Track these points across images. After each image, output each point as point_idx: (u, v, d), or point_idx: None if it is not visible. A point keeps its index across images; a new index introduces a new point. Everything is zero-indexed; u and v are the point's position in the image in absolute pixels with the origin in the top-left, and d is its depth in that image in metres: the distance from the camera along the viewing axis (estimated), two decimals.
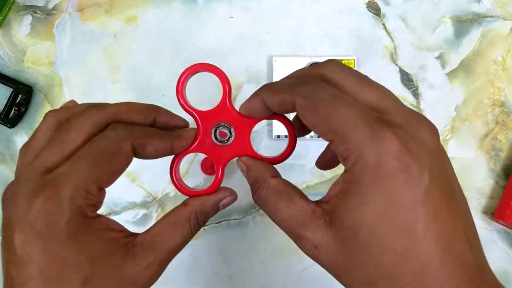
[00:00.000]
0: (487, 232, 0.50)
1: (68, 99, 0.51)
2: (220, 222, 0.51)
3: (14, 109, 0.50)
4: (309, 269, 0.50)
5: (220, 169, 0.27)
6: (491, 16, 0.51)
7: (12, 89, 0.50)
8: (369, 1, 0.52)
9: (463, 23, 0.52)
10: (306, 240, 0.21)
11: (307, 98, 0.21)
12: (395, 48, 0.52)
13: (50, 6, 0.52)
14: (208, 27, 0.52)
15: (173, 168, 0.27)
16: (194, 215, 0.25)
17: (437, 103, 0.51)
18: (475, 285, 0.18)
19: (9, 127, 0.51)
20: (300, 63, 0.50)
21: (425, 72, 0.51)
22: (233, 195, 0.27)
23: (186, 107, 0.27)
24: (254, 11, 0.52)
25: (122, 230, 0.23)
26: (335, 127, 0.20)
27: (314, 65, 0.24)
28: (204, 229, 0.51)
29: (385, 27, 0.52)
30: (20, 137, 0.51)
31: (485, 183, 0.51)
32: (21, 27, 0.52)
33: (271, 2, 0.52)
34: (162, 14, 0.52)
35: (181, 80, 0.27)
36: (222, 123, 0.26)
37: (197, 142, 0.26)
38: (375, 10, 0.52)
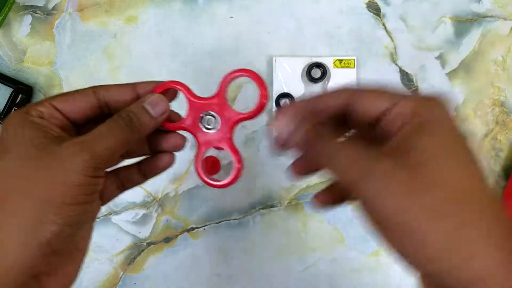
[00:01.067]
0: None
1: None
2: (220, 222, 0.51)
3: (14, 109, 0.50)
4: (309, 269, 0.50)
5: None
6: (491, 16, 0.52)
7: (12, 89, 0.50)
8: (369, 1, 0.52)
9: (463, 23, 0.52)
10: (380, 167, 0.21)
11: (359, 88, 0.25)
12: (395, 48, 0.52)
13: (50, 6, 0.52)
14: (208, 27, 0.52)
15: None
16: (120, 118, 0.26)
17: None
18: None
19: None
20: (300, 63, 0.50)
21: (425, 72, 0.51)
22: (159, 96, 0.28)
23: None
24: (254, 11, 0.52)
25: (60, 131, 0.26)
26: (394, 93, 0.24)
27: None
28: (204, 229, 0.51)
29: (385, 27, 0.52)
30: None
31: None
32: (21, 27, 0.52)
33: (271, 2, 0.52)
34: (162, 14, 0.52)
35: (224, 85, 0.28)
36: (210, 113, 0.28)
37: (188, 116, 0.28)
38: (375, 10, 0.52)
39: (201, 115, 0.28)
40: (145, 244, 0.51)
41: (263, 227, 0.51)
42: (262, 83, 0.27)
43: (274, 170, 0.51)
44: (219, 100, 0.28)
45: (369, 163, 0.22)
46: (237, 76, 0.28)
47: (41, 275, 0.24)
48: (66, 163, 0.23)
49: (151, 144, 0.30)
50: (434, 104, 0.23)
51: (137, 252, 0.51)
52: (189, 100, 0.29)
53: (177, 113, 0.30)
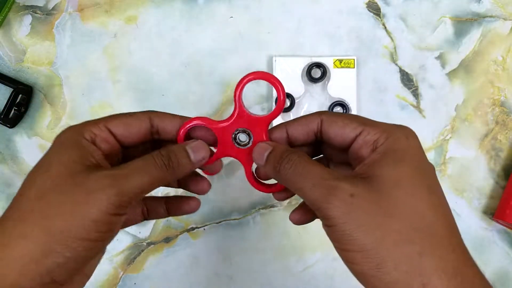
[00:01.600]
0: (487, 232, 0.50)
1: (68, 99, 0.52)
2: (220, 222, 0.51)
3: (14, 109, 0.50)
4: (309, 269, 0.50)
5: (218, 156, 0.29)
6: (491, 16, 0.52)
7: (12, 89, 0.50)
8: (369, 1, 0.52)
9: (463, 23, 0.52)
10: (342, 189, 0.22)
11: (331, 114, 0.27)
12: (395, 48, 0.52)
13: (50, 6, 0.52)
14: (208, 27, 0.52)
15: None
16: (160, 156, 0.26)
17: (437, 103, 0.51)
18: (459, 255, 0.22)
19: (9, 127, 0.51)
20: (300, 63, 0.50)
21: (425, 72, 0.51)
22: (202, 143, 0.28)
23: (238, 103, 0.28)
24: (254, 11, 0.52)
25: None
26: (365, 120, 0.25)
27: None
28: (204, 229, 0.51)
29: (385, 27, 0.52)
30: (20, 137, 0.51)
31: (485, 183, 0.51)
32: (21, 27, 0.52)
33: (271, 2, 0.52)
34: (162, 14, 0.52)
35: (243, 83, 0.28)
36: (245, 129, 0.28)
37: (220, 126, 0.28)
38: (375, 10, 0.52)
39: (232, 136, 0.28)
40: (145, 244, 0.51)
41: (263, 227, 0.51)
42: (277, 81, 0.27)
43: None
44: (241, 115, 0.28)
45: (333, 183, 0.22)
46: (249, 81, 0.28)
47: None
48: (90, 196, 0.23)
49: (180, 182, 0.31)
50: (401, 133, 0.24)
51: (137, 252, 0.51)
52: (214, 130, 0.28)
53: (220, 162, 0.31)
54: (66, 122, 0.51)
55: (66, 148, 0.25)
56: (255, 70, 0.28)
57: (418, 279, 0.20)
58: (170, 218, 0.51)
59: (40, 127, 0.51)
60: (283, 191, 0.29)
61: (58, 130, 0.51)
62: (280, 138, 0.28)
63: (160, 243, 0.51)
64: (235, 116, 0.28)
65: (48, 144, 0.51)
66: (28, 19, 0.52)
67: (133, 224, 0.31)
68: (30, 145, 0.51)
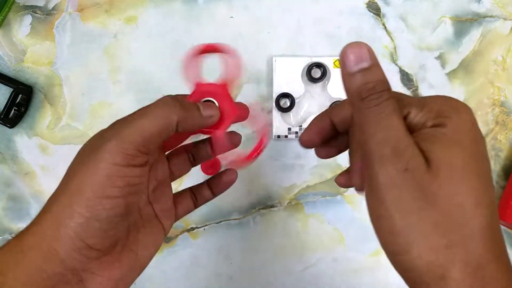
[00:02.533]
0: None
1: (68, 99, 0.52)
2: (220, 222, 0.51)
3: (14, 109, 0.50)
4: (309, 269, 0.50)
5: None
6: (491, 16, 0.51)
7: (12, 89, 0.50)
8: (369, 1, 0.52)
9: (463, 23, 0.52)
10: (402, 158, 0.20)
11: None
12: (395, 48, 0.52)
13: (50, 6, 0.52)
14: (208, 27, 0.52)
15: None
16: (170, 96, 0.28)
17: None
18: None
19: (9, 127, 0.51)
20: (300, 63, 0.50)
21: (425, 72, 0.51)
22: (212, 104, 0.29)
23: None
24: (254, 11, 0.52)
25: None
26: (410, 101, 0.23)
27: None
28: (204, 229, 0.51)
29: (385, 27, 0.52)
30: (20, 137, 0.51)
31: None
32: (21, 27, 0.52)
33: (271, 2, 0.52)
34: (162, 14, 0.52)
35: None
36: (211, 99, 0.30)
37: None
38: (375, 10, 0.52)
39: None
40: None
41: (263, 227, 0.51)
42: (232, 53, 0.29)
43: (274, 170, 0.51)
44: (197, 88, 0.30)
45: (399, 149, 0.21)
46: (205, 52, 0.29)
47: (81, 272, 0.23)
48: (98, 152, 0.23)
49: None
50: (453, 112, 0.22)
51: None
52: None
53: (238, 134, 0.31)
54: (66, 122, 0.51)
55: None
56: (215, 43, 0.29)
57: (439, 270, 0.20)
58: None
59: (40, 127, 0.51)
60: (328, 148, 0.29)
61: (58, 130, 0.51)
62: (322, 127, 0.27)
63: None
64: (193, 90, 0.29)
65: (48, 144, 0.51)
66: (28, 19, 0.52)
67: (187, 212, 0.33)
68: (30, 145, 0.51)
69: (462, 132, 0.22)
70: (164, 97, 0.26)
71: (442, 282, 0.20)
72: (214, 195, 0.33)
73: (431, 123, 0.22)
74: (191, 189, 0.33)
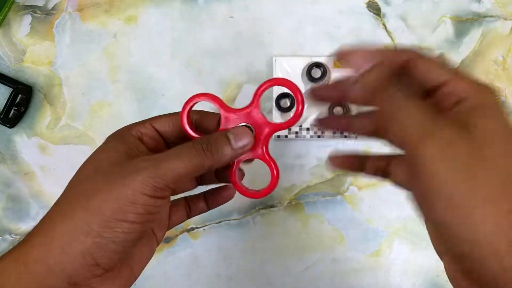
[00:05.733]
0: None
1: (68, 99, 0.51)
2: (220, 222, 0.51)
3: (14, 109, 0.50)
4: (309, 269, 0.50)
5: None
6: (491, 16, 0.51)
7: (11, 89, 0.50)
8: (369, 1, 0.52)
9: (463, 23, 0.52)
10: (441, 134, 0.21)
11: (420, 54, 0.25)
12: (395, 48, 0.52)
13: (50, 6, 0.52)
14: (208, 27, 0.52)
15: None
16: (199, 141, 0.26)
17: None
18: None
19: (9, 127, 0.51)
20: (300, 63, 0.50)
21: None
22: (246, 130, 0.28)
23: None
24: (254, 11, 0.52)
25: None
26: (454, 70, 0.24)
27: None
28: (204, 229, 0.51)
29: (385, 27, 0.52)
30: (19, 137, 0.51)
31: None
32: (21, 27, 0.52)
33: (271, 2, 0.52)
34: (162, 14, 0.52)
35: (259, 93, 0.28)
36: (247, 124, 0.28)
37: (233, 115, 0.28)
38: (375, 10, 0.52)
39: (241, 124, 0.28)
40: None
41: (263, 227, 0.51)
42: (298, 91, 0.27)
43: None
44: (253, 111, 0.28)
45: (434, 127, 0.21)
46: (271, 86, 0.28)
47: (82, 286, 0.24)
48: (127, 178, 0.23)
49: (219, 175, 0.32)
50: (487, 91, 0.23)
51: None
52: (223, 113, 0.28)
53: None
54: (66, 122, 0.51)
55: (113, 142, 0.27)
56: (274, 78, 0.28)
57: (506, 236, 0.19)
58: None
59: (39, 127, 0.51)
60: (343, 159, 0.29)
61: (57, 130, 0.51)
62: (365, 60, 0.26)
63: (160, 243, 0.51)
64: (247, 110, 0.28)
65: (48, 144, 0.51)
66: (27, 19, 0.52)
67: (180, 222, 0.33)
68: (30, 145, 0.51)
69: (498, 109, 0.22)
70: (195, 140, 0.26)
71: None
72: (209, 208, 0.33)
73: (471, 94, 0.23)
74: (186, 199, 0.33)
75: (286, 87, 0.28)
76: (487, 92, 0.23)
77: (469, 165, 0.20)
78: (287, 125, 0.28)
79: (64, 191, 0.25)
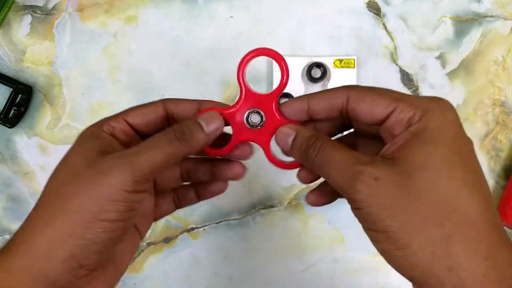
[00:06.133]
0: None
1: (68, 99, 0.51)
2: (220, 222, 0.51)
3: (14, 109, 0.50)
4: (309, 269, 0.50)
5: (234, 143, 0.28)
6: (491, 16, 0.51)
7: (11, 89, 0.50)
8: (369, 1, 0.52)
9: (463, 23, 0.52)
10: (366, 173, 0.22)
11: (360, 89, 0.25)
12: (395, 48, 0.52)
13: (50, 6, 0.52)
14: (208, 27, 0.52)
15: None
16: (172, 130, 0.26)
17: None
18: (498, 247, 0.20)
19: (9, 127, 0.51)
20: (300, 63, 0.50)
21: (426, 72, 0.51)
22: (215, 114, 0.27)
23: (242, 83, 0.28)
24: (254, 11, 0.52)
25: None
26: (398, 96, 0.24)
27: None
28: (204, 229, 0.51)
29: (385, 27, 0.52)
30: (19, 137, 0.51)
31: None
32: (21, 27, 0.52)
33: (271, 2, 0.52)
34: (162, 14, 0.52)
35: (246, 60, 0.28)
36: (258, 110, 0.28)
37: (231, 110, 0.28)
38: (375, 10, 0.52)
39: (244, 119, 0.28)
40: (144, 244, 0.51)
41: (263, 227, 0.51)
42: (282, 59, 0.28)
43: (274, 170, 0.51)
44: (248, 95, 0.28)
45: (358, 168, 0.22)
46: (251, 58, 0.28)
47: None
48: (102, 176, 0.23)
49: (214, 172, 0.31)
50: (437, 108, 0.23)
51: (136, 252, 0.51)
52: (225, 116, 0.28)
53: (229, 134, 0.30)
54: (66, 122, 0.51)
55: (85, 141, 0.26)
56: (255, 48, 0.28)
57: (444, 262, 0.20)
58: (169, 218, 0.51)
59: (39, 127, 0.51)
60: (308, 174, 0.29)
61: (57, 130, 0.51)
62: (300, 110, 0.27)
63: (160, 243, 0.51)
64: (243, 98, 0.28)
65: (48, 144, 0.51)
66: (27, 19, 0.52)
67: (167, 214, 0.32)
68: (30, 145, 0.51)
69: (443, 130, 0.22)
70: (167, 129, 0.26)
71: (452, 274, 0.20)
72: (199, 199, 0.32)
73: (415, 119, 0.23)
74: (174, 190, 0.32)
75: (269, 56, 0.28)
76: (433, 112, 0.22)
77: (397, 199, 0.21)
78: (280, 89, 0.28)
79: (42, 196, 0.25)
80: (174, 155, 0.25)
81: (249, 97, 0.28)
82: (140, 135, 0.28)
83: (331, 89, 0.26)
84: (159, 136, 0.25)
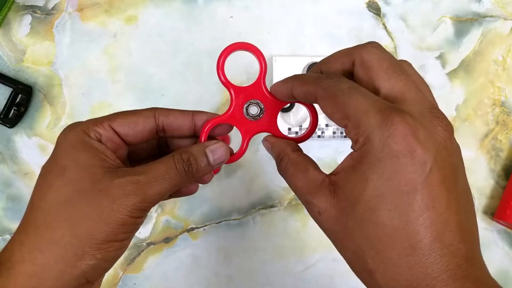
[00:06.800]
0: (487, 232, 0.50)
1: (68, 99, 0.51)
2: (220, 222, 0.51)
3: (14, 109, 0.50)
4: (309, 269, 0.50)
5: (246, 140, 0.29)
6: (491, 16, 0.51)
7: (11, 89, 0.50)
8: (369, 1, 0.52)
9: (463, 23, 0.52)
10: (313, 205, 0.23)
11: (327, 89, 0.23)
12: (395, 48, 0.52)
13: (50, 6, 0.52)
14: (208, 27, 0.52)
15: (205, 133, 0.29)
16: (181, 161, 0.26)
17: (438, 103, 0.51)
18: (461, 273, 0.19)
19: (9, 127, 0.51)
20: (300, 63, 0.50)
21: (426, 72, 0.51)
22: (223, 146, 0.28)
23: (225, 82, 0.29)
24: (254, 11, 0.52)
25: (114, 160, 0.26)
26: (349, 113, 0.21)
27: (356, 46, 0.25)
28: (204, 229, 0.51)
29: (385, 27, 0.52)
30: (19, 137, 0.51)
31: (486, 183, 0.51)
32: (21, 27, 0.52)
33: (271, 2, 0.52)
34: (162, 14, 0.52)
35: (222, 57, 0.29)
36: (254, 101, 0.29)
37: (230, 113, 0.28)
38: (375, 10, 0.52)
39: (244, 112, 0.29)
40: (145, 244, 0.51)
41: (263, 227, 0.51)
42: (259, 53, 0.29)
43: (274, 170, 0.51)
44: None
45: (307, 199, 0.24)
46: (233, 51, 0.29)
47: None
48: (116, 204, 0.24)
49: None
50: (378, 132, 0.20)
51: (137, 252, 0.51)
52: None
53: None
54: (66, 122, 0.51)
55: (78, 150, 0.25)
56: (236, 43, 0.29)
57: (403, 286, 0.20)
58: (170, 218, 0.51)
59: (39, 127, 0.51)
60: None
61: (57, 130, 0.51)
62: (284, 92, 0.28)
63: (160, 243, 0.51)
64: (233, 96, 0.29)
65: (48, 144, 0.51)
66: (27, 19, 0.52)
67: None
68: (30, 145, 0.51)
69: (383, 160, 0.20)
70: (176, 159, 0.26)
71: None
72: (170, 197, 0.32)
73: (357, 145, 0.21)
74: None
75: (248, 50, 0.29)
76: (375, 137, 0.20)
77: (336, 233, 0.23)
78: (262, 76, 0.29)
79: (35, 207, 0.24)
80: (179, 185, 0.26)
81: (239, 93, 0.28)
82: (127, 143, 0.28)
83: (309, 75, 0.27)
84: (167, 166, 0.26)
